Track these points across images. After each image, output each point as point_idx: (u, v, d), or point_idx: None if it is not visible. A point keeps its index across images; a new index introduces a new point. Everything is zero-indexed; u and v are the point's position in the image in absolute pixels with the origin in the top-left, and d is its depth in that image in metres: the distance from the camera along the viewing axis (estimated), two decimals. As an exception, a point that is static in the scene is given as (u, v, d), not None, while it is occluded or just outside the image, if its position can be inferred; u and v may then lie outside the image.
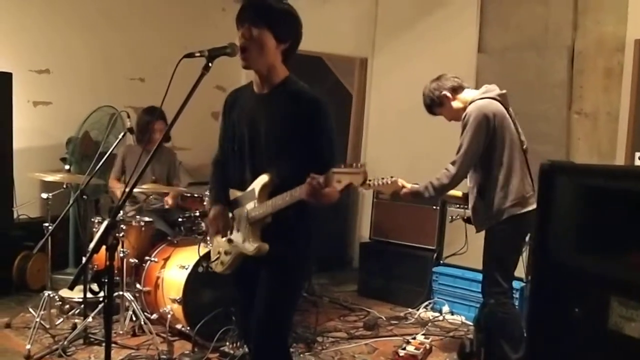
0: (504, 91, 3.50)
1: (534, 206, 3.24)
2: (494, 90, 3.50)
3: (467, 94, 3.54)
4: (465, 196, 3.62)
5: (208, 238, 3.97)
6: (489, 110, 3.35)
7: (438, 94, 3.56)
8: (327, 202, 2.20)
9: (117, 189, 4.85)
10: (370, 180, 3.37)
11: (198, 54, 2.21)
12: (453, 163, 3.37)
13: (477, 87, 5.31)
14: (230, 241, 2.52)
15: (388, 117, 6.13)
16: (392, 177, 3.35)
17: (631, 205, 1.61)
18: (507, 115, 3.42)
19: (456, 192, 3.70)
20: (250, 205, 2.40)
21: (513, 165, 3.34)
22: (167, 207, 4.90)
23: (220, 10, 7.09)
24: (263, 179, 2.37)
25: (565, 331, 1.76)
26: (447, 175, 3.37)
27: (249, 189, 2.42)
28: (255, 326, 2.44)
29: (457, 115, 3.53)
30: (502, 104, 3.44)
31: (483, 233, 3.52)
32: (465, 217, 3.74)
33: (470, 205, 3.52)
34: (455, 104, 3.54)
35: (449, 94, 3.54)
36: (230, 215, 2.55)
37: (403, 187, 3.43)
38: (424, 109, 3.67)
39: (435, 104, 3.59)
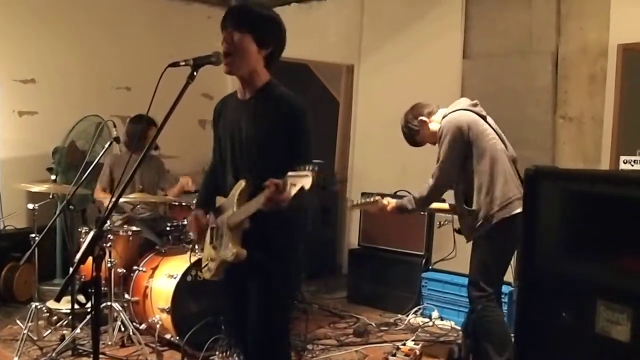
0: (474, 101, 3.55)
1: (520, 209, 3.27)
2: (464, 102, 3.56)
3: (440, 114, 3.60)
4: (453, 207, 3.66)
5: (196, 246, 3.97)
6: (461, 121, 3.41)
7: (416, 122, 3.62)
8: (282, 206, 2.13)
9: (105, 199, 4.80)
10: (352, 202, 3.71)
11: (183, 63, 2.22)
12: (432, 176, 3.46)
13: (462, 93, 5.39)
14: (215, 248, 2.53)
15: (375, 123, 6.14)
16: (375, 197, 3.63)
17: (616, 210, 1.62)
18: (483, 123, 3.45)
19: (442, 205, 3.78)
20: (229, 212, 2.41)
21: (495, 171, 3.37)
22: (187, 189, 4.87)
23: (206, 18, 7.09)
24: (240, 185, 2.39)
25: (554, 336, 1.77)
26: (427, 187, 3.46)
27: (230, 195, 2.45)
28: (252, 343, 2.44)
29: (436, 137, 3.56)
30: (476, 113, 3.48)
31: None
32: (457, 228, 3.77)
33: (458, 216, 3.58)
34: (433, 126, 3.59)
35: (425, 118, 3.60)
36: (214, 223, 2.55)
37: (389, 204, 3.59)
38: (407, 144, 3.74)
39: (414, 132, 3.65)
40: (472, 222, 3.44)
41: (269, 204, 2.10)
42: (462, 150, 3.40)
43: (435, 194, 3.49)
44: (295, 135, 2.36)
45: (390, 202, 3.59)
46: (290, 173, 2.03)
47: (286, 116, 2.36)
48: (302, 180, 2.01)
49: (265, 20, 2.43)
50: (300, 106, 2.40)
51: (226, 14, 2.43)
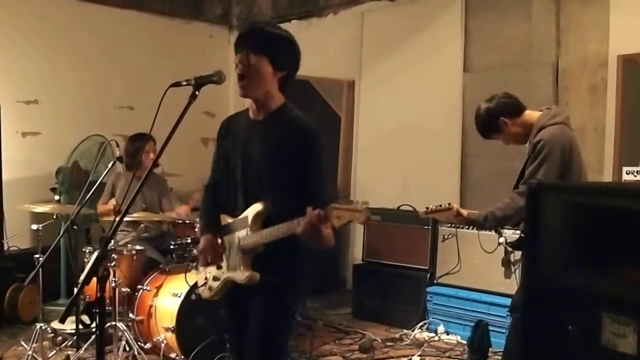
0: (567, 114, 3.24)
1: None
2: (562, 113, 3.19)
3: (530, 117, 3.20)
4: None
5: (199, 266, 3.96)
6: (564, 140, 3.06)
7: (496, 121, 3.20)
8: (321, 244, 2.15)
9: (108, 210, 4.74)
10: (427, 208, 3.24)
11: (185, 83, 2.21)
12: (520, 194, 3.02)
13: (463, 106, 5.40)
14: (219, 267, 2.50)
15: (377, 138, 6.15)
16: (449, 203, 3.20)
17: (620, 222, 1.62)
18: (578, 144, 3.16)
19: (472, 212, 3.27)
20: (242, 233, 2.38)
21: None
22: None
23: (208, 37, 7.14)
24: (257, 207, 2.35)
25: (559, 349, 1.76)
26: (514, 207, 3.02)
27: (242, 216, 2.40)
28: (250, 358, 2.42)
29: (517, 140, 3.26)
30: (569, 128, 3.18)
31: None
32: (508, 242, 3.21)
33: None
34: (515, 129, 3.20)
35: (507, 120, 3.19)
36: (220, 241, 2.53)
37: (458, 213, 3.18)
38: (478, 132, 3.34)
39: (492, 130, 3.25)
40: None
41: (308, 234, 2.09)
42: (558, 171, 3.02)
43: (520, 214, 3.02)
44: (307, 161, 2.33)
45: (462, 212, 3.18)
46: (335, 205, 2.00)
47: (299, 139, 2.33)
48: (351, 215, 1.99)
49: (282, 42, 2.38)
50: (313, 129, 2.37)
51: (242, 34, 2.38)
